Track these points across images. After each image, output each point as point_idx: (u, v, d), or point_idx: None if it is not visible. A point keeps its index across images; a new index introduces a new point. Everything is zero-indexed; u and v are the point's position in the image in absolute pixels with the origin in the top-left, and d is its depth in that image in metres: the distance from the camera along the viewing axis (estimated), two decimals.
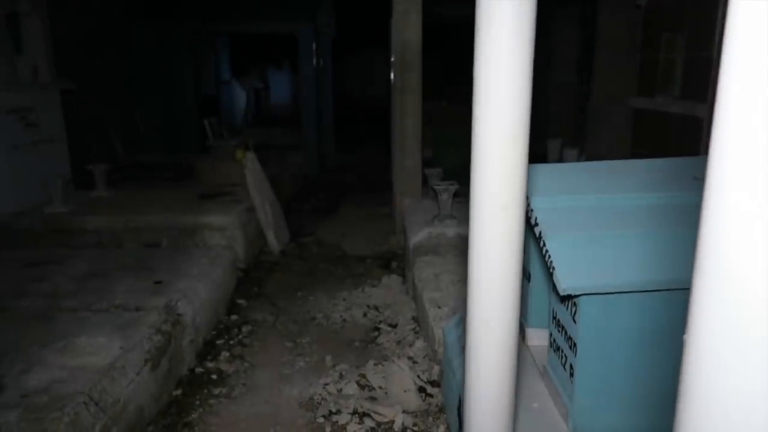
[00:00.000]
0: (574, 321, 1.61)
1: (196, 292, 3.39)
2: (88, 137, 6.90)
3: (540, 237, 1.66)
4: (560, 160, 5.88)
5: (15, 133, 4.56)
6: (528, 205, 1.75)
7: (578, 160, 5.63)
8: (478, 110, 1.20)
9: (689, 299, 0.50)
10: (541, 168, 1.94)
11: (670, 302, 1.52)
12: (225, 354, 3.23)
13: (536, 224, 1.69)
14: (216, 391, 2.86)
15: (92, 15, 7.10)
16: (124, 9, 8.02)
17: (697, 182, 1.84)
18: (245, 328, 3.56)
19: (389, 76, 6.29)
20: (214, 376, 3.01)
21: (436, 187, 4.20)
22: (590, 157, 5.59)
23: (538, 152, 6.42)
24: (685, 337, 0.48)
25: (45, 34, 5.00)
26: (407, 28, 4.76)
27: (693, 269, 0.49)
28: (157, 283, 3.41)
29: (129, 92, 8.07)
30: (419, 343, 3.19)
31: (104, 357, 2.46)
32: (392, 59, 5.56)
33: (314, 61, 8.52)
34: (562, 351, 1.72)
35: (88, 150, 6.82)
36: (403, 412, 2.58)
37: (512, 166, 1.22)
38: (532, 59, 1.23)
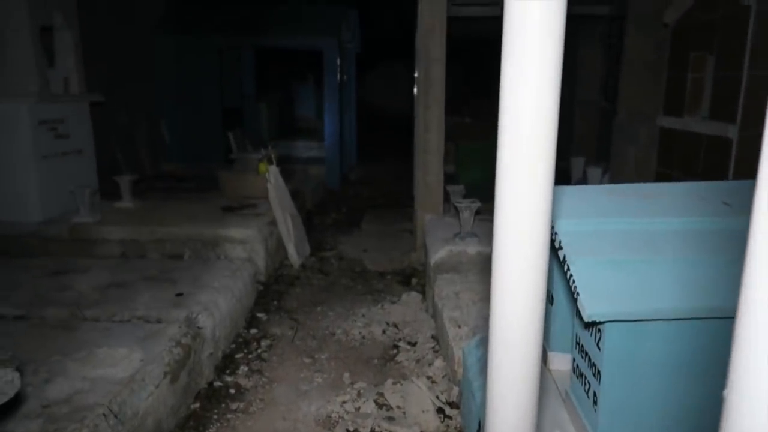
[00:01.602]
0: (599, 348, 1.58)
1: (217, 304, 3.40)
2: (116, 148, 7.03)
3: (564, 261, 1.63)
4: (584, 177, 5.82)
5: (45, 144, 4.66)
6: (552, 227, 1.72)
7: (602, 178, 5.56)
8: (503, 130, 1.19)
9: (732, 339, 0.47)
10: (566, 190, 1.91)
11: (697, 330, 1.48)
12: (243, 368, 3.23)
13: (560, 248, 1.66)
14: (234, 406, 2.86)
15: (122, 28, 7.26)
16: (154, 23, 8.19)
17: (726, 207, 1.80)
18: (264, 342, 3.56)
19: (413, 90, 6.30)
20: (233, 391, 3.01)
21: (457, 204, 4.18)
22: (615, 176, 5.51)
23: (561, 169, 6.36)
24: (725, 393, 0.45)
25: (76, 47, 5.12)
26: (432, 43, 4.77)
27: (738, 303, 0.46)
28: (179, 295, 3.44)
29: (156, 103, 8.21)
30: (438, 363, 3.15)
31: (125, 369, 2.47)
32: (416, 74, 5.58)
33: (338, 75, 8.59)
34: (586, 378, 1.69)
35: (115, 160, 6.94)
36: None
37: (537, 188, 1.20)
38: (560, 77, 1.20)
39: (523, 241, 1.20)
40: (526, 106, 1.16)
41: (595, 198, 1.92)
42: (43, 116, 4.63)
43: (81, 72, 5.20)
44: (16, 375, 1.67)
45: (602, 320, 1.49)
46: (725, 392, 0.44)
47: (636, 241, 1.65)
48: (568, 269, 1.59)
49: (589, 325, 1.62)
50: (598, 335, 1.59)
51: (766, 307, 0.43)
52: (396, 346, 3.48)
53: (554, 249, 1.71)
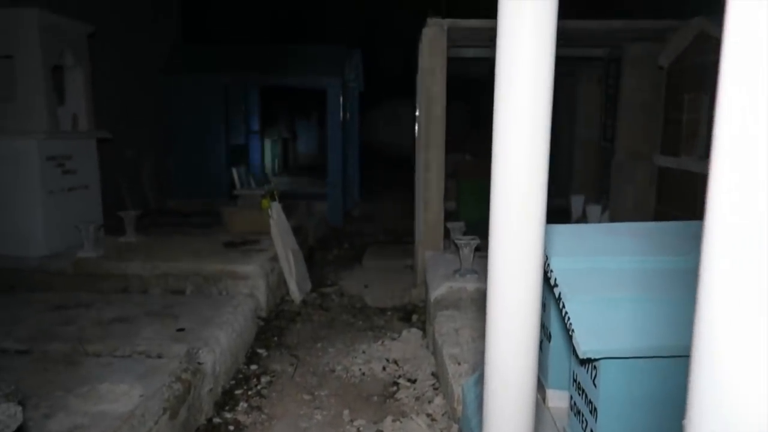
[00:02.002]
0: (595, 385, 1.60)
1: (218, 340, 3.42)
2: (121, 183, 7.12)
3: (559, 298, 1.66)
4: (583, 215, 5.87)
5: (52, 180, 4.75)
6: (548, 265, 1.76)
7: (601, 216, 5.61)
8: (496, 170, 1.24)
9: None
10: (561, 229, 1.96)
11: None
12: (243, 404, 3.22)
13: (555, 285, 1.70)
14: None
15: (131, 67, 7.45)
16: (162, 62, 8.40)
17: None
18: (264, 379, 3.56)
19: (414, 127, 6.42)
20: (232, 427, 2.99)
21: (457, 241, 4.22)
22: (614, 214, 5.57)
23: (561, 207, 6.42)
24: (684, 423, 0.48)
25: (86, 85, 5.26)
26: (432, 84, 4.89)
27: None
28: (180, 330, 3.45)
29: (162, 140, 8.35)
30: (438, 400, 3.15)
31: (125, 404, 2.48)
32: (417, 113, 5.69)
33: (341, 113, 8.74)
34: (583, 415, 1.70)
35: (121, 195, 7.03)
36: None
37: (530, 226, 1.25)
38: (550, 123, 1.26)
39: (516, 279, 1.24)
40: (518, 146, 1.22)
41: (589, 236, 1.96)
42: (51, 152, 4.72)
43: (90, 109, 5.32)
44: (19, 409, 1.69)
45: (597, 357, 1.51)
46: (684, 422, 0.47)
47: (630, 279, 1.69)
48: (564, 306, 1.62)
49: (585, 362, 1.64)
50: (594, 372, 1.61)
51: (714, 341, 0.47)
52: (396, 383, 3.48)
53: (550, 286, 1.74)
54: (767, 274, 0.44)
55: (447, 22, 4.75)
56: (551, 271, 1.73)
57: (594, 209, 5.65)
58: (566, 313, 1.60)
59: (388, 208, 9.86)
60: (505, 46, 1.20)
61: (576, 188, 7.07)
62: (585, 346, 1.50)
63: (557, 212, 6.23)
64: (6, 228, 4.61)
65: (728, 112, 0.46)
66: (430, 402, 3.16)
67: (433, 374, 3.51)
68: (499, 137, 1.24)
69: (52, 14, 4.74)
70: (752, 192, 0.46)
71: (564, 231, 1.94)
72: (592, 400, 1.63)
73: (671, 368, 1.53)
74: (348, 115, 9.42)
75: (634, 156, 5.32)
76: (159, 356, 3.08)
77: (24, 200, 4.60)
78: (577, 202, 6.12)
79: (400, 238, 7.55)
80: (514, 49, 1.18)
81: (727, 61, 0.46)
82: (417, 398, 3.25)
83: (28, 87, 4.61)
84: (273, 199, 5.66)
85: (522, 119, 1.20)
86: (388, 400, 3.28)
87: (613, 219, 5.47)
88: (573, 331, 1.55)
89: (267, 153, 12.45)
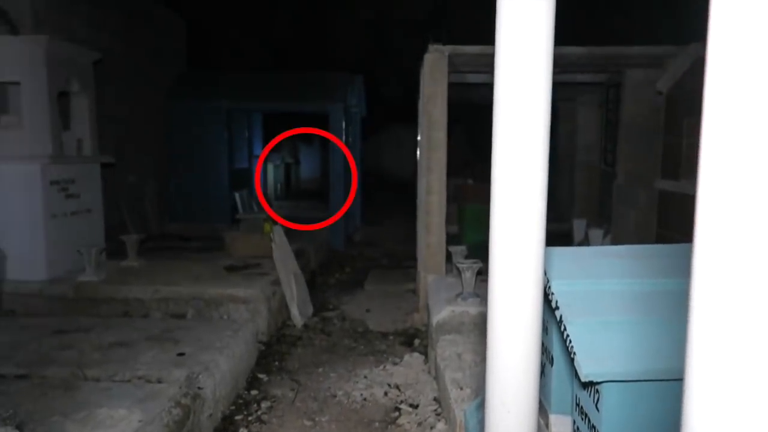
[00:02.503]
0: (597, 409, 1.58)
1: (218, 365, 3.39)
2: (124, 207, 7.15)
3: (561, 321, 1.65)
4: (586, 239, 5.86)
5: (55, 203, 4.77)
6: (549, 287, 1.76)
7: (604, 240, 5.60)
8: (495, 193, 1.25)
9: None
10: (562, 251, 1.96)
11: None
12: (243, 430, 3.19)
13: (557, 307, 1.69)
14: None
15: (135, 93, 7.54)
16: (166, 88, 8.50)
17: None
18: (264, 404, 3.52)
19: (416, 152, 6.46)
20: None
21: (459, 265, 4.21)
22: (616, 238, 5.56)
23: (563, 231, 6.42)
24: None
25: (91, 111, 5.32)
26: (434, 108, 4.93)
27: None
28: (180, 355, 3.43)
29: (165, 164, 8.40)
30: (441, 426, 3.11)
31: (123, 430, 2.45)
32: (419, 138, 5.73)
33: (344, 138, 8.81)
34: None
35: (123, 219, 7.05)
36: None
37: (529, 249, 1.25)
38: (548, 147, 1.27)
39: (515, 301, 1.24)
40: (516, 169, 1.22)
41: (590, 259, 1.96)
42: (55, 176, 4.76)
43: (94, 134, 5.37)
44: None
45: (600, 380, 1.50)
46: None
47: (632, 301, 1.68)
48: (565, 329, 1.61)
49: (588, 386, 1.63)
50: (596, 396, 1.59)
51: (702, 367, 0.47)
52: (398, 409, 3.44)
53: (552, 309, 1.74)
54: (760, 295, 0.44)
55: (448, 49, 4.81)
56: (552, 293, 1.73)
57: (596, 233, 5.65)
58: (567, 335, 1.59)
59: (390, 233, 9.87)
60: (502, 73, 1.22)
61: (578, 212, 7.07)
62: (587, 369, 1.49)
63: (560, 236, 6.23)
64: (8, 251, 4.62)
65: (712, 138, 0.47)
66: (432, 428, 3.12)
67: (435, 399, 3.48)
68: (498, 161, 1.25)
69: (60, 42, 4.82)
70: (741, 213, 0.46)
71: (565, 254, 1.94)
72: (595, 424, 1.61)
73: (675, 391, 1.51)
74: (350, 139, 9.49)
75: (635, 180, 5.33)
76: (159, 381, 3.06)
77: (28, 224, 4.62)
78: (579, 226, 6.12)
79: (402, 262, 7.54)
80: (511, 76, 1.20)
81: (710, 83, 0.47)
82: (419, 424, 3.21)
83: (34, 112, 4.67)
84: (275, 222, 5.67)
85: (520, 143, 1.21)
86: (389, 426, 3.24)
87: (615, 243, 5.46)
88: (575, 354, 1.54)
89: (270, 177, 12.51)
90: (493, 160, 1.26)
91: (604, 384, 1.52)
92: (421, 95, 5.19)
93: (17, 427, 1.69)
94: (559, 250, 1.91)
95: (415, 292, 5.76)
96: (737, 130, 0.45)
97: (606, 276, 1.80)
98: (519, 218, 1.23)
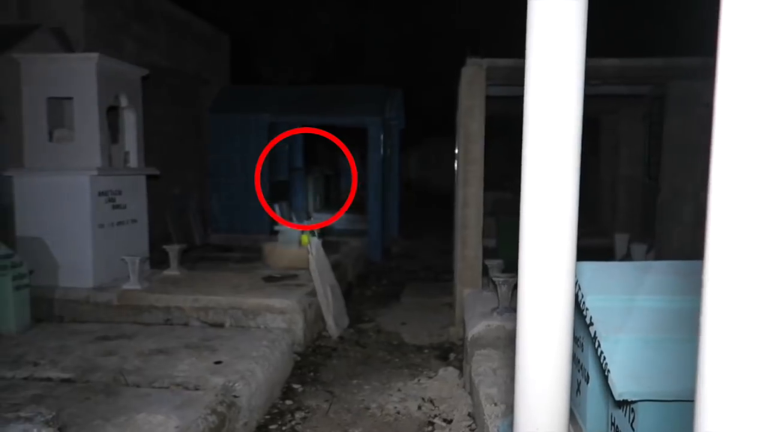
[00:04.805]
0: (633, 429, 1.54)
1: (254, 374, 3.44)
2: (168, 218, 7.36)
3: (595, 337, 1.62)
4: (628, 254, 5.71)
5: (103, 214, 4.95)
6: (583, 303, 1.72)
7: (647, 256, 5.45)
8: (524, 208, 1.24)
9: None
10: (597, 266, 1.92)
11: None
12: None
13: (591, 323, 1.66)
14: None
15: (179, 108, 7.77)
16: (209, 102, 8.74)
17: None
18: (298, 414, 3.54)
19: (454, 165, 6.44)
20: None
21: (495, 279, 4.17)
22: (659, 254, 5.40)
23: (605, 246, 6.27)
24: None
25: (138, 125, 5.51)
26: (471, 122, 4.92)
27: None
28: (218, 363, 3.49)
29: (208, 177, 8.61)
30: None
31: None
32: (456, 151, 5.72)
33: (382, 150, 8.87)
34: None
35: (167, 230, 7.25)
36: None
37: (559, 264, 1.23)
38: (579, 159, 1.25)
39: (544, 315, 1.22)
40: (547, 182, 1.21)
41: (628, 275, 1.92)
42: (102, 187, 4.94)
43: (141, 147, 5.56)
44: None
45: (634, 399, 1.46)
46: None
47: (667, 319, 1.64)
48: (599, 346, 1.58)
49: (622, 404, 1.59)
50: (631, 415, 1.55)
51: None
52: (431, 423, 3.41)
53: (586, 325, 1.70)
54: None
55: (486, 62, 4.80)
56: (587, 309, 1.69)
57: (639, 248, 5.50)
58: (602, 352, 1.56)
59: (428, 246, 9.84)
60: (533, 90, 1.21)
61: (619, 227, 6.91)
62: (621, 388, 1.45)
63: (601, 251, 6.09)
64: (58, 259, 4.80)
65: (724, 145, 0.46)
66: None
67: (469, 415, 3.43)
68: (528, 173, 1.24)
69: (110, 59, 5.02)
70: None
71: (600, 268, 1.91)
72: None
73: None
74: (389, 152, 9.54)
75: (680, 194, 5.18)
76: (196, 388, 3.12)
77: (76, 233, 4.80)
78: (621, 241, 5.97)
79: (439, 275, 7.50)
80: (541, 90, 1.19)
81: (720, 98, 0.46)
82: None
83: (85, 126, 4.87)
84: (313, 234, 5.73)
85: (550, 154, 1.20)
86: None
87: (658, 258, 5.31)
88: (608, 371, 1.51)
89: (309, 189, 12.66)
90: (522, 172, 1.26)
91: (639, 403, 1.48)
92: (458, 108, 5.19)
93: (59, 430, 1.75)
94: (594, 265, 1.88)
95: (451, 305, 5.72)
96: (748, 139, 0.44)
97: (644, 292, 1.76)
98: (548, 230, 1.22)
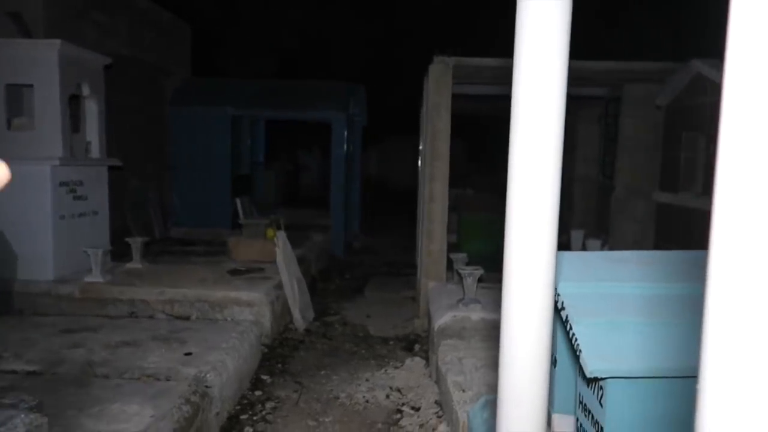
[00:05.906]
0: (601, 405, 1.66)
1: (225, 365, 3.46)
2: (127, 211, 7.21)
3: (566, 321, 1.74)
4: (583, 250, 5.95)
5: (64, 205, 4.84)
6: (555, 289, 1.84)
7: (601, 250, 5.70)
8: (510, 201, 1.33)
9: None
10: (568, 255, 2.05)
11: (693, 389, 1.57)
12: (248, 429, 3.25)
13: (562, 308, 1.78)
14: None
15: (140, 98, 7.62)
16: (170, 94, 8.59)
17: None
18: (269, 405, 3.58)
19: (416, 162, 6.55)
20: None
21: (461, 271, 4.30)
22: (614, 249, 5.65)
23: (561, 242, 6.49)
24: None
25: (100, 115, 5.40)
26: (438, 119, 5.03)
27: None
28: (188, 354, 3.50)
29: (168, 170, 8.47)
30: (442, 427, 3.18)
31: (137, 424, 2.52)
32: (420, 147, 5.83)
33: (345, 146, 8.91)
34: None
35: (126, 223, 7.11)
36: None
37: (542, 253, 1.34)
38: (561, 156, 1.36)
39: (529, 303, 1.33)
40: (532, 180, 1.31)
41: (595, 263, 2.05)
42: (64, 178, 4.83)
43: (102, 138, 5.45)
44: (44, 420, 1.75)
45: (604, 376, 1.58)
46: None
47: (635, 304, 1.77)
48: (571, 329, 1.70)
49: (591, 383, 1.71)
50: (600, 393, 1.67)
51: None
52: (400, 411, 3.51)
53: (557, 310, 1.82)
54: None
55: (453, 60, 4.92)
56: (558, 295, 1.81)
57: (594, 244, 5.74)
58: (573, 334, 1.68)
59: (388, 241, 9.95)
60: (521, 89, 1.31)
61: (575, 224, 7.17)
62: (592, 366, 1.57)
63: (558, 246, 6.29)
64: (17, 251, 4.68)
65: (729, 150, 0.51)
66: (434, 429, 3.19)
67: (436, 402, 3.55)
68: (515, 171, 1.33)
69: (72, 46, 4.90)
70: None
71: (571, 258, 2.03)
72: (598, 420, 1.69)
73: (675, 389, 1.60)
74: (351, 148, 9.59)
75: (634, 192, 5.44)
76: (167, 379, 3.13)
77: (36, 225, 4.68)
78: (576, 237, 6.21)
79: (401, 270, 7.62)
80: (529, 90, 1.29)
81: (727, 98, 0.52)
82: (421, 425, 3.28)
83: (45, 115, 4.75)
84: (278, 228, 5.75)
85: (535, 149, 1.30)
86: (392, 428, 3.31)
87: None
88: (580, 351, 1.62)
89: (271, 184, 12.58)
90: (509, 167, 1.35)
91: (608, 380, 1.60)
92: (424, 105, 5.29)
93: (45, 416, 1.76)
94: (566, 254, 2.00)
95: (414, 299, 5.84)
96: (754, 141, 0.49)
97: (611, 279, 1.89)
98: (533, 223, 1.32)
